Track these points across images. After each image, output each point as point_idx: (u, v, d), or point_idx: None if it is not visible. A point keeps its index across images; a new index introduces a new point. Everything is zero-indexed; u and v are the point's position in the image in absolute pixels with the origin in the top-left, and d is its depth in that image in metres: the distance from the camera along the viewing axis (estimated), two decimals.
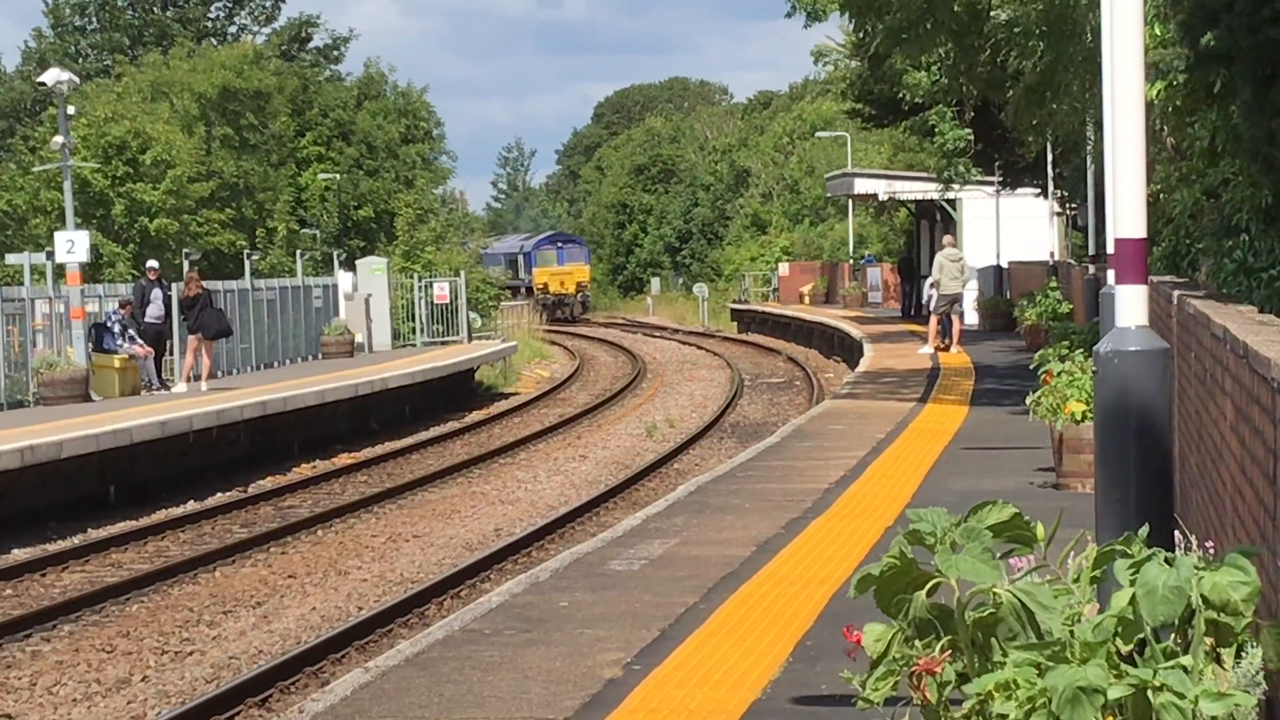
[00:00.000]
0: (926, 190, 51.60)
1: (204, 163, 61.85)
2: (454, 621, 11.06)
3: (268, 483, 26.60)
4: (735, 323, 70.75)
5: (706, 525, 14.48)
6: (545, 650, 9.98)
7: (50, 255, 35.09)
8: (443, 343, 47.87)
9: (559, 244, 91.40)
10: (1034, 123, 28.00)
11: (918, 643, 5.63)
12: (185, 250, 48.54)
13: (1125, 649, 5.23)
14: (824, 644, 9.65)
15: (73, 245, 31.28)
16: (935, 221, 55.19)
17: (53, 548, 20.78)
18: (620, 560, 12.91)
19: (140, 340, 32.00)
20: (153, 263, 34.94)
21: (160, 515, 23.20)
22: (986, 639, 5.48)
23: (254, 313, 40.02)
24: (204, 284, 32.79)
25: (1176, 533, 7.02)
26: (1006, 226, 47.40)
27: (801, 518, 14.63)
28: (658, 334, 69.91)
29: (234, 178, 64.18)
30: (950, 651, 5.55)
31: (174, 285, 33.85)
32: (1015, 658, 5.23)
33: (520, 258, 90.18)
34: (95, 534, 21.70)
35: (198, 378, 31.85)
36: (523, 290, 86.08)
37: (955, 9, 24.71)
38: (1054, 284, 35.66)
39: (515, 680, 9.31)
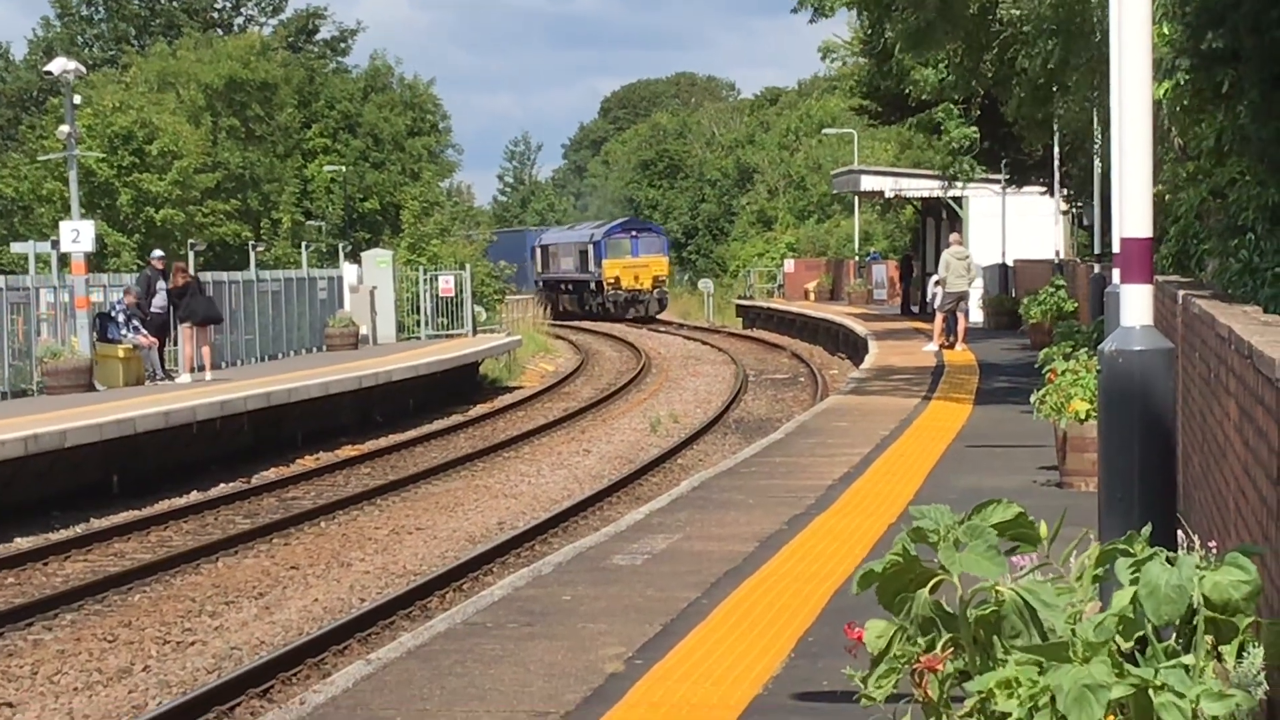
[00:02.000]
0: (933, 188, 51.60)
1: (210, 153, 61.93)
2: (456, 614, 11.06)
3: (271, 474, 26.61)
4: (740, 318, 70.73)
5: (709, 520, 14.48)
6: (547, 644, 9.98)
7: (55, 244, 35.10)
8: (447, 336, 47.87)
9: (633, 232, 78.39)
10: (1039, 119, 27.96)
11: (919, 640, 5.63)
12: (190, 241, 48.57)
13: (1126, 647, 5.22)
14: (826, 640, 9.65)
15: (78, 235, 31.29)
16: (941, 219, 55.17)
17: (55, 536, 20.79)
18: (623, 555, 12.91)
19: (144, 330, 32.03)
20: (157, 252, 34.93)
21: (163, 505, 23.21)
22: (988, 637, 5.48)
23: (259, 304, 40.03)
24: (194, 274, 32.95)
25: (1179, 532, 7.02)
26: (1012, 224, 47.38)
27: (804, 514, 14.62)
28: (662, 329, 69.89)
29: (240, 169, 64.25)
30: (952, 649, 5.55)
31: None
32: (1017, 656, 5.22)
33: (590, 248, 78.31)
34: (98, 523, 21.71)
35: (201, 368, 31.88)
36: (592, 286, 77.60)
37: (970, 10, 24.68)
38: (1059, 282, 35.63)
39: (517, 673, 9.31)
